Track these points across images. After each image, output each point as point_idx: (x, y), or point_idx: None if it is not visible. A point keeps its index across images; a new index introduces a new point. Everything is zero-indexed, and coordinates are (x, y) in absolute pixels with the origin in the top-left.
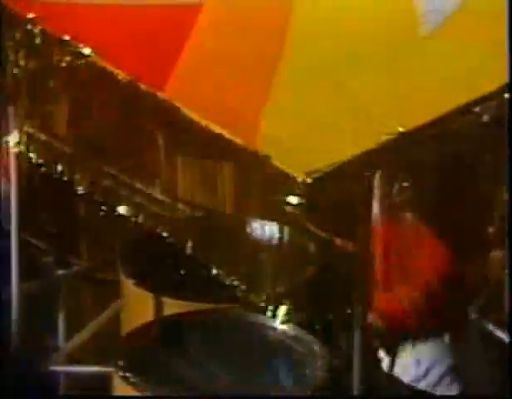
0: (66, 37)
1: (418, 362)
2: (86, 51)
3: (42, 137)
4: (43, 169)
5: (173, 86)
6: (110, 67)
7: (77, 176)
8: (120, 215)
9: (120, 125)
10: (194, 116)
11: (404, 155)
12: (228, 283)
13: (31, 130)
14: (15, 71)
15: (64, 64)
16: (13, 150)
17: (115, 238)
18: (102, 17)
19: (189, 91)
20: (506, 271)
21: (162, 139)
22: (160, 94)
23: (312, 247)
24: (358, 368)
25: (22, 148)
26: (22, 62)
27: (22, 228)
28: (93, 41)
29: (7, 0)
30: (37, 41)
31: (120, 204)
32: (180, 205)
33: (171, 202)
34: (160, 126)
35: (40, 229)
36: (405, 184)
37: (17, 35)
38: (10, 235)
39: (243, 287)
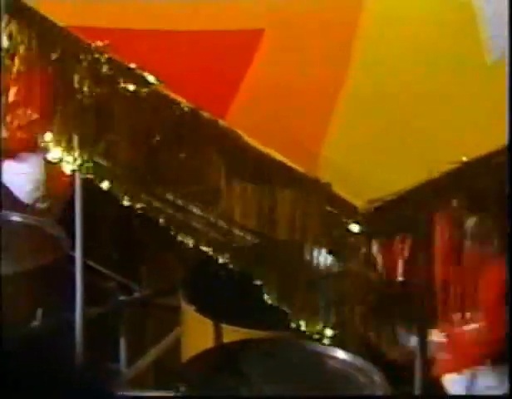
0: (132, 65)
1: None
2: (151, 78)
3: (105, 163)
4: (106, 194)
5: (234, 113)
6: (172, 95)
7: (138, 202)
8: (181, 242)
9: (181, 152)
10: (255, 144)
11: (467, 183)
12: (286, 310)
13: (95, 157)
14: (80, 98)
15: (129, 92)
16: (79, 176)
17: (176, 265)
18: (166, 43)
19: (250, 119)
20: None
21: (222, 166)
22: (221, 122)
23: (371, 276)
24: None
25: (87, 174)
26: (87, 90)
27: (85, 253)
28: (157, 69)
29: (74, 29)
30: (104, 69)
31: (181, 231)
32: (239, 232)
33: (230, 228)
34: (220, 154)
35: (103, 255)
36: (469, 213)
37: (84, 63)
38: (74, 261)
39: (303, 314)
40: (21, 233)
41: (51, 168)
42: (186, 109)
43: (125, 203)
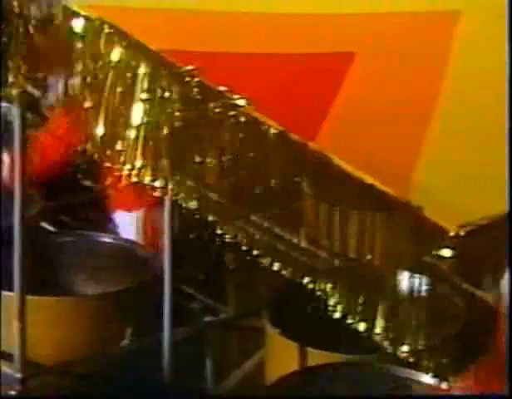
0: (222, 88)
1: None
2: (240, 101)
3: (191, 184)
4: (191, 215)
5: (324, 136)
6: (262, 117)
7: (224, 224)
8: (266, 264)
9: (269, 175)
10: (346, 167)
11: None
12: (372, 334)
13: (184, 180)
14: (170, 121)
15: (218, 115)
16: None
17: (261, 287)
18: (256, 66)
19: (341, 142)
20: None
21: (310, 189)
22: (310, 144)
23: (459, 301)
24: None
25: (175, 197)
26: (177, 113)
27: (173, 275)
28: (246, 91)
29: (165, 52)
30: (194, 92)
31: (265, 253)
32: (325, 255)
33: (316, 251)
34: (309, 176)
35: (189, 277)
36: None
37: (175, 88)
38: (162, 282)
39: (388, 339)
40: (112, 255)
41: None
42: (275, 131)
43: (210, 223)
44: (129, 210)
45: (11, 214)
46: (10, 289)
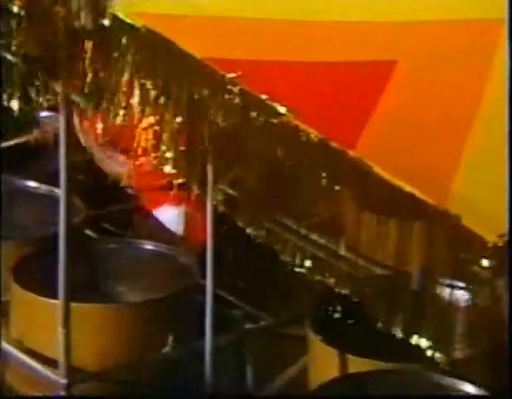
0: (263, 96)
1: None
2: (281, 109)
3: (235, 193)
4: (234, 224)
5: (364, 144)
6: (302, 125)
7: (264, 232)
8: (307, 271)
9: (310, 182)
10: (385, 175)
11: None
12: (413, 342)
13: (226, 187)
14: (212, 128)
15: (259, 123)
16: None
17: (303, 295)
18: (297, 74)
19: (380, 150)
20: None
21: (350, 197)
22: (350, 152)
23: (499, 310)
24: None
25: (218, 204)
26: (219, 121)
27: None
28: (288, 99)
29: (209, 60)
30: (236, 100)
31: (305, 261)
32: (365, 263)
33: (356, 260)
34: (349, 184)
35: (231, 284)
36: None
37: (218, 97)
38: (205, 290)
39: (430, 348)
40: (154, 261)
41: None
42: (316, 139)
43: (252, 232)
44: (173, 205)
45: (56, 221)
46: (55, 296)
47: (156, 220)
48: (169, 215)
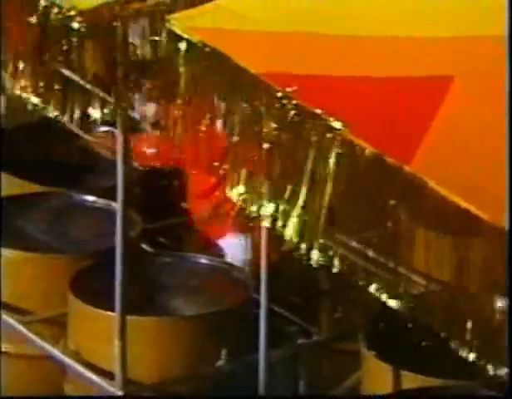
0: (319, 111)
1: None
2: (336, 124)
3: (290, 209)
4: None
5: (420, 159)
6: (357, 140)
7: (316, 248)
8: (361, 287)
9: (365, 197)
10: (441, 191)
11: None
12: (470, 359)
13: (280, 203)
14: (267, 142)
15: (314, 137)
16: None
17: (356, 310)
18: (352, 89)
19: (437, 165)
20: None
21: (405, 212)
22: (406, 167)
23: None
24: None
25: (272, 221)
26: (274, 135)
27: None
28: (342, 114)
29: (264, 75)
30: (291, 114)
31: (359, 276)
32: (420, 279)
33: (410, 276)
34: (404, 200)
35: (284, 298)
36: None
37: (273, 112)
38: (259, 305)
39: (488, 364)
40: (209, 275)
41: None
42: (371, 154)
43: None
44: (235, 234)
45: (112, 235)
46: (111, 309)
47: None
48: (234, 244)
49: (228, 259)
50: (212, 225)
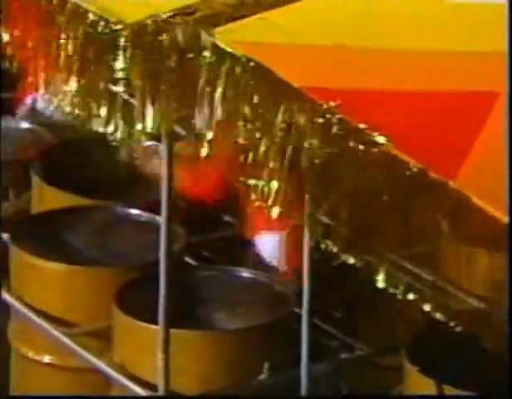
0: (362, 125)
1: None
2: (380, 139)
3: (331, 222)
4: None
5: (464, 175)
6: (402, 155)
7: (361, 261)
8: (404, 301)
9: (409, 213)
10: (486, 207)
11: None
12: None
13: (321, 216)
14: (310, 157)
15: (358, 152)
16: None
17: (399, 324)
18: (397, 103)
19: (481, 181)
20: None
21: (449, 228)
22: (450, 183)
23: None
24: None
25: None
26: (317, 150)
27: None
28: (386, 129)
29: (308, 89)
30: (334, 129)
31: (403, 291)
32: (464, 296)
33: (455, 291)
34: (448, 215)
35: (326, 313)
36: None
37: (316, 126)
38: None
39: None
40: (251, 289)
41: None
42: (415, 169)
43: (349, 261)
44: (272, 232)
45: (157, 248)
46: (155, 322)
47: (254, 249)
48: (269, 243)
49: (265, 258)
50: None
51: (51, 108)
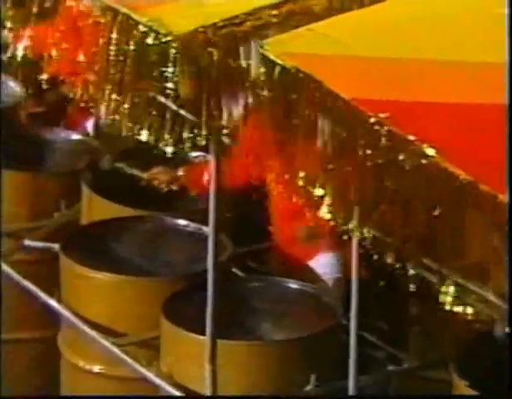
0: (412, 138)
1: None
2: (430, 150)
3: (379, 234)
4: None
5: None
6: (451, 167)
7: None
8: (453, 314)
9: (459, 225)
10: None
11: None
12: None
13: (370, 227)
14: (360, 169)
15: (407, 164)
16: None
17: (447, 337)
18: (446, 115)
19: None
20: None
21: (500, 241)
22: (500, 196)
23: None
24: None
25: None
26: (367, 161)
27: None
28: (436, 141)
29: (358, 101)
30: (383, 141)
31: (452, 303)
32: None
33: (503, 304)
34: (498, 228)
35: (374, 324)
36: None
37: (366, 138)
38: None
39: None
40: (298, 300)
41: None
42: (465, 182)
43: (397, 271)
44: (327, 253)
45: (204, 259)
46: (202, 332)
47: (297, 260)
48: (325, 262)
49: (322, 278)
50: (302, 246)
51: (102, 121)
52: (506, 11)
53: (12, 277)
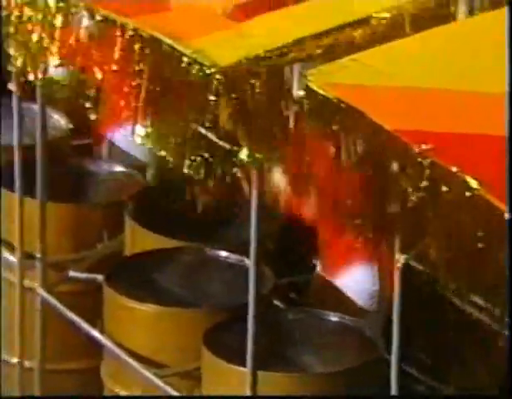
0: (455, 169)
1: None
2: (473, 183)
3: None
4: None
5: None
6: (495, 200)
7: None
8: (493, 345)
9: (499, 258)
10: None
11: None
12: None
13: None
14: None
15: (450, 196)
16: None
17: (488, 370)
18: (489, 147)
19: None
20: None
21: None
22: None
23: None
24: None
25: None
26: (409, 193)
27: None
28: (479, 173)
29: (401, 133)
30: (427, 173)
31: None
32: None
33: None
34: None
35: (415, 358)
36: None
37: (409, 170)
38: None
39: None
40: (339, 333)
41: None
42: (509, 216)
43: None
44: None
45: (245, 290)
46: (243, 364)
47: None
48: (359, 277)
49: (363, 309)
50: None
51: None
52: (506, 10)
53: (56, 307)
